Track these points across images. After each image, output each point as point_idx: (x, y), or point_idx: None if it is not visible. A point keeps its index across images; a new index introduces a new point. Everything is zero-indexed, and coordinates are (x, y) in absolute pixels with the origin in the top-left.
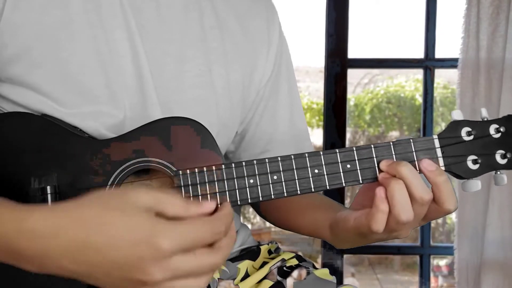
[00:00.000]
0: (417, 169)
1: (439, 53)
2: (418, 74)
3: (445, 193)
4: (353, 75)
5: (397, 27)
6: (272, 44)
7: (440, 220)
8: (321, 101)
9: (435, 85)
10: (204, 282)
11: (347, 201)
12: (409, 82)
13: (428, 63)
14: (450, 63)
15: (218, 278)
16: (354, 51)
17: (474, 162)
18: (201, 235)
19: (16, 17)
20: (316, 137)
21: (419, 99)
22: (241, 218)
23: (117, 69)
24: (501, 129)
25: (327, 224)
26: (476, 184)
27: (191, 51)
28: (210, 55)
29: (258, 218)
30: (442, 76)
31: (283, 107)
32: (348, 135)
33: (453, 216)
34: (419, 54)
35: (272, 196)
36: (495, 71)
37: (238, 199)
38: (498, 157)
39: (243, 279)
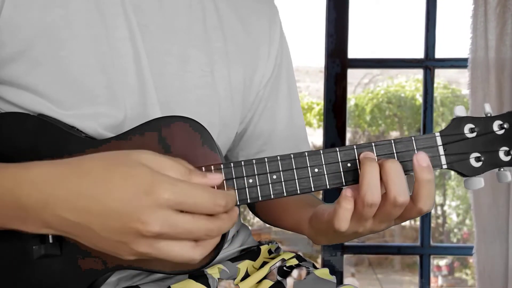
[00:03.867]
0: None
1: (439, 53)
2: (418, 74)
3: (424, 192)
4: (353, 75)
5: (397, 27)
6: (273, 44)
7: (440, 220)
8: (321, 101)
9: (435, 85)
10: (199, 254)
11: None
12: (409, 82)
13: (428, 63)
14: (450, 63)
15: (218, 278)
16: (354, 51)
17: (477, 159)
18: (201, 199)
19: (15, 15)
20: (316, 137)
21: (419, 99)
22: (241, 218)
23: (118, 69)
24: (505, 126)
25: (307, 219)
26: (479, 181)
27: (193, 51)
28: (213, 56)
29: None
30: (442, 76)
31: (282, 107)
32: (349, 135)
33: (454, 217)
34: (419, 54)
35: (272, 196)
36: (505, 70)
37: (238, 199)
38: (501, 154)
39: (243, 279)
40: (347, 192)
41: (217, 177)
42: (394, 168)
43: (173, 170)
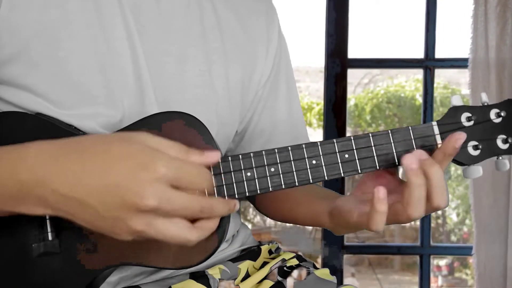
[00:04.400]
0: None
1: (439, 53)
2: (418, 74)
3: (438, 187)
4: (353, 75)
5: (397, 27)
6: (271, 44)
7: (440, 220)
8: (321, 101)
9: (435, 85)
10: (196, 236)
11: (347, 192)
12: (409, 82)
13: (428, 63)
14: (450, 63)
15: (218, 279)
16: (354, 51)
17: (475, 148)
18: (197, 178)
19: (13, 16)
20: (316, 137)
21: (419, 99)
22: (241, 218)
23: (116, 68)
24: (502, 114)
25: (326, 212)
26: (477, 170)
27: (191, 51)
28: (211, 55)
29: (258, 218)
30: (442, 76)
31: (282, 106)
32: (348, 135)
33: (453, 217)
34: (419, 54)
35: (270, 189)
36: (505, 70)
37: (236, 192)
38: (499, 142)
39: (243, 279)
40: (380, 193)
41: (214, 154)
42: (438, 175)
43: (171, 149)
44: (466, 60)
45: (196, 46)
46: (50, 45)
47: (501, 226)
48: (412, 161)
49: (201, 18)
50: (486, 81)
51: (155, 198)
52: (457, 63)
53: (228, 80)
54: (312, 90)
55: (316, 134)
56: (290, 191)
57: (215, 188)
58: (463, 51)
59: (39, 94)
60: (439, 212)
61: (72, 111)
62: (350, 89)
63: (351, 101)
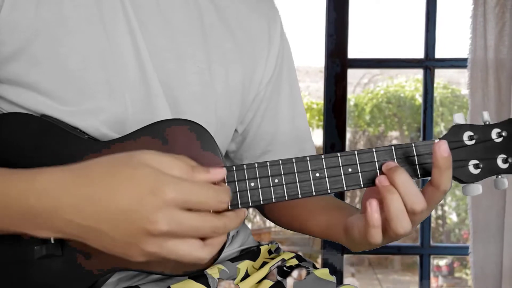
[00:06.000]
0: (418, 173)
1: (439, 53)
2: (418, 74)
3: (446, 177)
4: (353, 75)
5: (397, 27)
6: (273, 45)
7: (440, 220)
8: (321, 101)
9: (435, 85)
10: (208, 253)
11: (347, 201)
12: (409, 82)
13: (428, 63)
14: (450, 63)
15: (218, 278)
16: (354, 51)
17: (476, 166)
18: (205, 197)
19: (13, 15)
20: (316, 137)
21: (419, 99)
22: None
23: (119, 63)
24: (503, 134)
25: (342, 228)
26: (477, 188)
27: (191, 48)
28: (210, 54)
29: (258, 218)
30: (442, 76)
31: (284, 107)
32: (348, 135)
33: (453, 217)
34: (419, 54)
35: (273, 200)
36: (504, 70)
37: (239, 202)
38: (499, 162)
39: (243, 279)
40: (372, 206)
41: (220, 172)
42: (403, 179)
43: (176, 169)
44: (466, 60)
45: (196, 44)
46: (51, 42)
47: (497, 226)
48: (384, 180)
49: (201, 17)
50: (484, 81)
51: (165, 222)
52: (457, 63)
53: (228, 80)
54: (312, 90)
55: (316, 134)
56: (304, 202)
57: (228, 205)
58: (463, 51)
59: (42, 92)
60: (439, 212)
61: (75, 108)
62: (349, 89)
63: (351, 101)
